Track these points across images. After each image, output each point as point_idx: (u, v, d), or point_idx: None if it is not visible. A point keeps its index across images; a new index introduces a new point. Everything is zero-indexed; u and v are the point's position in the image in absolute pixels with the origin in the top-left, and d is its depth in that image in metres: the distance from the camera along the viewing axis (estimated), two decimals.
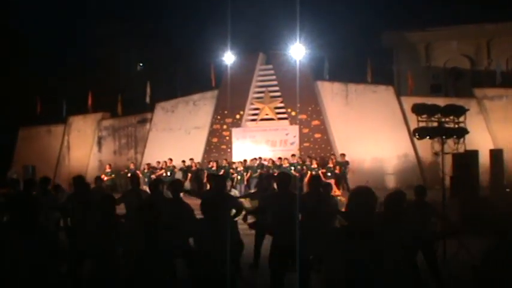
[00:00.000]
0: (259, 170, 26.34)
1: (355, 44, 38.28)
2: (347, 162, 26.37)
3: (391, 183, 27.98)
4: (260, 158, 27.93)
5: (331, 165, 25.88)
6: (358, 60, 32.25)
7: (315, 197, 10.06)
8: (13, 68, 41.68)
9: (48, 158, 35.36)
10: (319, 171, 25.37)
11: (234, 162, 28.50)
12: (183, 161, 29.11)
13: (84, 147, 35.76)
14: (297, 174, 24.99)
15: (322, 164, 26.69)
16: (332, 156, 26.91)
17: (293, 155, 27.85)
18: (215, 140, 32.29)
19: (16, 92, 39.41)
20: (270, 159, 27.79)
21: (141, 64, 49.73)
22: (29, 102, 36.38)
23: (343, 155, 26.67)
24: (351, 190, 4.98)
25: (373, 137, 28.41)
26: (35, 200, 7.59)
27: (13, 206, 5.79)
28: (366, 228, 4.91)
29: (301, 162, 26.76)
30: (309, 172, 25.25)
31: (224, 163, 28.36)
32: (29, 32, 45.59)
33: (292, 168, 25.87)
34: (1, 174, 30.48)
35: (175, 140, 32.59)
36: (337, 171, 25.52)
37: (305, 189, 20.37)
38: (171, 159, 29.03)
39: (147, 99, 34.85)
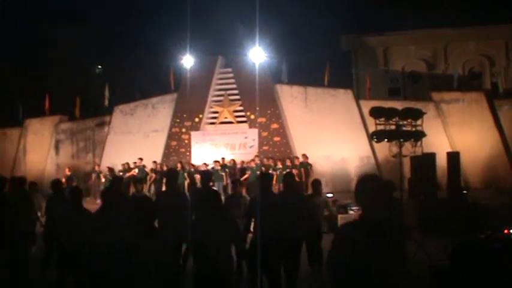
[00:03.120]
0: (223, 173, 26.17)
1: (314, 47, 38.40)
2: (310, 164, 26.29)
3: (352, 186, 28.12)
4: (223, 159, 27.77)
5: (289, 164, 25.83)
6: (317, 63, 32.34)
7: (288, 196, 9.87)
8: None
9: (3, 162, 34.69)
10: (284, 173, 25.38)
11: (193, 165, 28.34)
12: (155, 161, 28.89)
13: (41, 151, 35.17)
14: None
15: (286, 165, 26.53)
16: (295, 158, 26.88)
17: (257, 156, 27.78)
18: (174, 143, 32.07)
19: None
20: (232, 160, 27.72)
21: (99, 66, 49.19)
22: None
23: (305, 156, 26.52)
24: (357, 178, 4.83)
25: (332, 141, 28.53)
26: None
27: None
28: (376, 217, 4.87)
29: (265, 164, 26.68)
30: (275, 173, 25.08)
31: (191, 167, 28.08)
32: None
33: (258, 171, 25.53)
34: None
35: (134, 143, 32.24)
36: (299, 172, 25.33)
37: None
38: (141, 159, 28.75)
39: (106, 102, 34.46)
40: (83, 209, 9.31)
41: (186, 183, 26.39)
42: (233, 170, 26.47)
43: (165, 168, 27.82)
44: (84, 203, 10.02)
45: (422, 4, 36.74)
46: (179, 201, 10.35)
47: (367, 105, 25.16)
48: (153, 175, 27.62)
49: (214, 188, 14.39)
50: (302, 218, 9.83)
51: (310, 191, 12.16)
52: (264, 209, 8.41)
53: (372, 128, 19.46)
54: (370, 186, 5.02)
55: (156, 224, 7.73)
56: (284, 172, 25.15)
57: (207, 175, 12.05)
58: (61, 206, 10.25)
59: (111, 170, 28.58)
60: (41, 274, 11.03)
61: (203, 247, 6.84)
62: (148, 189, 26.07)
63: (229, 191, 23.01)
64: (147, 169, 28.23)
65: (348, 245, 4.87)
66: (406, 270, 5.31)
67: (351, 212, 16.18)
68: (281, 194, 10.20)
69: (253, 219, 9.16)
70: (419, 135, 18.19)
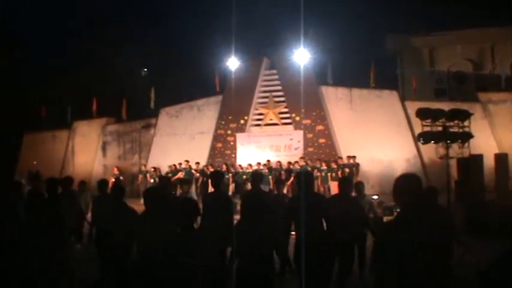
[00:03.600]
0: (270, 175, 26.16)
1: (359, 48, 38.28)
2: (357, 164, 26.19)
3: None
4: (269, 161, 27.75)
5: (334, 166, 25.81)
6: (362, 64, 32.18)
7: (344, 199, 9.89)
8: (17, 73, 41.70)
9: (52, 163, 35.36)
10: (328, 174, 25.48)
11: (240, 166, 28.41)
12: (197, 163, 29.01)
13: (88, 152, 35.80)
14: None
15: (330, 166, 26.50)
16: (339, 159, 26.87)
17: (302, 158, 27.77)
18: (219, 145, 32.27)
19: (21, 97, 39.42)
20: (278, 162, 27.71)
21: (145, 69, 49.77)
22: (34, 107, 36.41)
23: (352, 157, 26.45)
24: (396, 178, 5.01)
25: (377, 142, 28.37)
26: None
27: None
28: (414, 215, 5.01)
29: (310, 165, 26.65)
30: (319, 174, 25.32)
31: (238, 168, 28.19)
32: (32, 37, 45.78)
33: None
34: (7, 178, 30.44)
35: (180, 145, 32.57)
36: (343, 173, 25.26)
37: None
38: (187, 161, 28.71)
39: (152, 105, 34.89)
40: (124, 206, 9.34)
41: (231, 186, 26.49)
42: (278, 173, 26.43)
43: (210, 169, 27.96)
44: (130, 203, 10.09)
45: (469, 3, 36.29)
46: (224, 204, 10.40)
47: (412, 107, 25.01)
48: (200, 176, 27.66)
49: (264, 190, 14.41)
50: (354, 219, 9.83)
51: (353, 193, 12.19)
52: (306, 208, 8.37)
53: (417, 130, 19.37)
54: (407, 184, 5.10)
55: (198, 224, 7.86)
56: (329, 174, 25.45)
57: (257, 177, 12.07)
58: (105, 205, 10.44)
59: (156, 169, 28.87)
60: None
61: (246, 249, 6.88)
62: (196, 190, 26.22)
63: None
64: (194, 171, 28.22)
65: (388, 244, 4.94)
66: (452, 272, 5.32)
67: (396, 213, 16.08)
68: (336, 197, 10.21)
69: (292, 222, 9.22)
70: (466, 137, 18.02)
